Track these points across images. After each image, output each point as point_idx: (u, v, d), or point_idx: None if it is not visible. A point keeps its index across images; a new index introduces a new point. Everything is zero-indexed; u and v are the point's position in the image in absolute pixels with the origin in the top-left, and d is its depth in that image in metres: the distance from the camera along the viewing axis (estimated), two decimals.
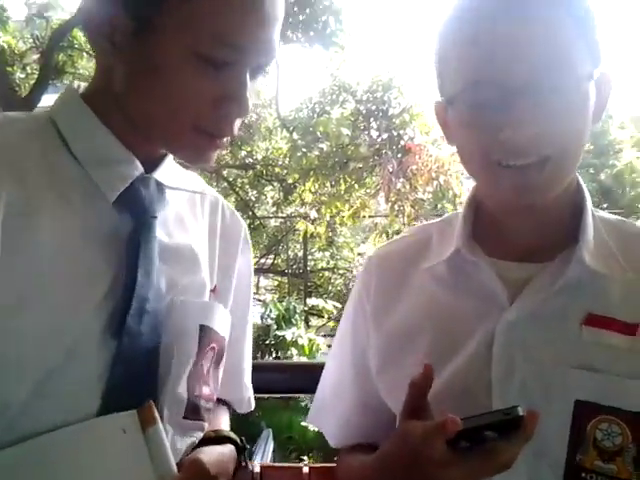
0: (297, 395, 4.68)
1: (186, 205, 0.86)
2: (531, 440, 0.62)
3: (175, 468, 0.68)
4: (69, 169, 0.73)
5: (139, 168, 0.76)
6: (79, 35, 7.19)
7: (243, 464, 0.82)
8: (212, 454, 0.76)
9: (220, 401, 0.92)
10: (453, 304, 0.78)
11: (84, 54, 7.70)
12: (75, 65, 8.00)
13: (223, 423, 0.90)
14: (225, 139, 0.75)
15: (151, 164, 0.79)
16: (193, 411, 0.77)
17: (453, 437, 0.59)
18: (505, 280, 0.75)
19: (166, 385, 0.74)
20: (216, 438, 0.81)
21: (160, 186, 0.79)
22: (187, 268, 0.81)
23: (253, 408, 0.99)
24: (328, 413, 0.95)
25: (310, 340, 6.62)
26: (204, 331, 0.78)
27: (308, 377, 1.25)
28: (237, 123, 0.74)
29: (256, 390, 1.00)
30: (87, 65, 7.74)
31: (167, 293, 0.76)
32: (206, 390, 0.80)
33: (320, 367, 1.23)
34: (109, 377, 0.68)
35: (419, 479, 0.63)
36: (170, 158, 0.82)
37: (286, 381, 1.26)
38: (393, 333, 0.83)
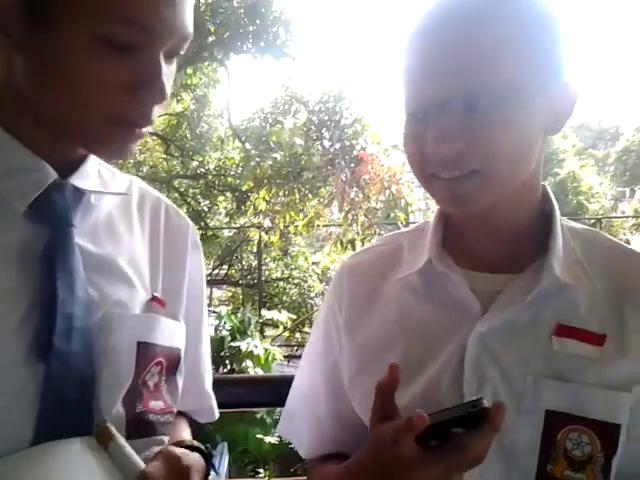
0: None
1: (119, 210, 0.81)
2: (502, 449, 0.63)
3: (143, 464, 0.68)
4: None
5: (51, 174, 0.71)
6: None
7: (213, 472, 0.79)
8: (178, 450, 0.74)
9: (180, 413, 0.89)
10: (425, 315, 0.78)
11: None
12: None
13: (184, 436, 0.87)
14: (144, 129, 0.70)
15: (69, 168, 0.73)
16: (140, 428, 0.73)
17: (423, 436, 0.59)
18: (477, 291, 0.75)
19: (102, 406, 0.69)
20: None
21: (79, 192, 0.74)
22: (121, 278, 0.76)
23: (217, 417, 0.96)
24: (299, 423, 0.94)
25: (266, 350, 6.58)
26: (143, 348, 0.74)
27: (266, 390, 1.26)
28: (156, 111, 0.69)
29: (220, 406, 0.98)
30: None
31: (99, 307, 0.71)
32: (158, 404, 0.76)
33: (277, 380, 1.23)
34: (40, 404, 0.64)
35: None
36: (92, 160, 0.77)
37: (243, 395, 1.25)
38: (365, 344, 0.82)
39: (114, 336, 0.71)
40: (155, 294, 0.80)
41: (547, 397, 0.69)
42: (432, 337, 0.76)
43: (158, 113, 0.71)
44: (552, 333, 0.72)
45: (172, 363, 0.80)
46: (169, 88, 0.69)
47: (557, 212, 0.77)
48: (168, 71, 0.68)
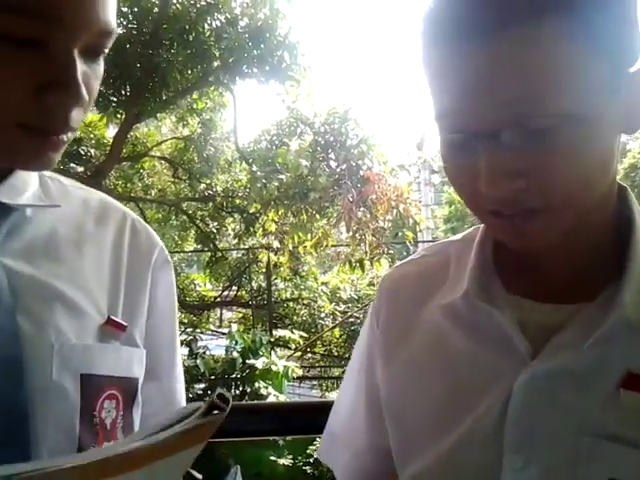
0: None
1: (66, 226, 0.73)
2: None
3: None
4: None
5: None
6: None
7: None
8: None
9: None
10: (467, 350, 0.65)
11: None
12: None
13: None
14: (65, 135, 0.61)
15: None
16: None
17: None
18: (529, 325, 0.61)
19: (41, 450, 0.61)
20: None
21: (4, 207, 0.65)
22: (62, 303, 0.67)
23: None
24: (340, 450, 0.82)
25: (285, 367, 6.55)
26: (88, 380, 0.66)
27: (281, 419, 1.26)
28: (76, 114, 0.61)
29: (227, 434, 0.98)
30: None
31: (31, 336, 0.63)
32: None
33: (291, 408, 1.23)
34: None
35: None
36: (23, 172, 0.69)
37: (258, 424, 1.20)
38: (400, 378, 0.71)
39: (51, 369, 0.63)
40: (112, 317, 0.72)
41: (610, 464, 0.56)
42: (472, 380, 0.64)
43: (81, 117, 0.62)
44: (620, 385, 0.57)
45: (128, 395, 0.72)
46: (92, 91, 0.61)
47: (637, 219, 0.61)
48: (88, 70, 0.61)
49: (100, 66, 0.64)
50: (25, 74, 0.57)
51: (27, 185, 0.70)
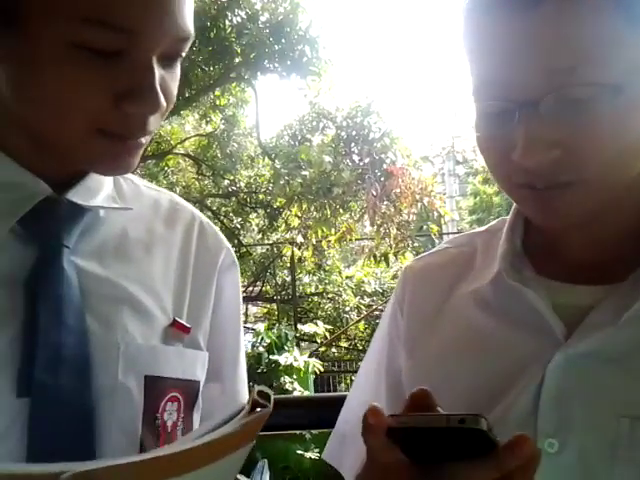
0: None
1: (136, 226, 0.73)
2: None
3: None
4: None
5: (44, 190, 0.64)
6: None
7: None
8: None
9: None
10: (498, 337, 0.65)
11: None
12: None
13: None
14: (143, 139, 0.63)
15: (69, 183, 0.67)
16: None
17: (408, 446, 0.48)
18: (560, 307, 0.61)
19: (105, 451, 0.61)
20: None
21: (78, 208, 0.66)
22: (129, 304, 0.68)
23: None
24: (350, 450, 0.78)
25: (306, 362, 6.59)
26: (152, 382, 0.66)
27: (306, 412, 1.27)
28: (153, 120, 0.61)
29: None
30: None
31: (99, 336, 0.63)
32: None
33: (318, 401, 1.23)
34: (29, 443, 0.57)
35: None
36: (95, 174, 0.69)
37: (283, 417, 1.19)
38: (426, 368, 0.70)
39: (117, 369, 0.64)
40: (177, 319, 0.72)
41: None
42: (504, 364, 0.63)
43: (159, 121, 0.63)
44: None
45: (190, 398, 0.72)
46: (170, 95, 0.62)
47: None
48: (166, 76, 0.62)
49: (177, 69, 0.64)
50: (106, 83, 0.58)
51: (101, 186, 0.71)
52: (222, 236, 0.84)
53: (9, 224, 0.62)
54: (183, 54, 0.63)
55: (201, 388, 0.74)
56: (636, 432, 0.55)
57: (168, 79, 0.62)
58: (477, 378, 0.65)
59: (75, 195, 0.67)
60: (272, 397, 0.49)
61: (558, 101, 0.53)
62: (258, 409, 0.48)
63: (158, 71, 0.60)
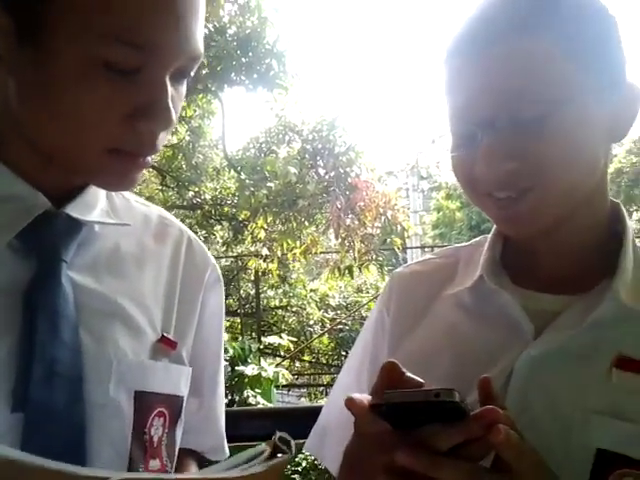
0: None
1: (128, 242, 0.74)
2: None
3: None
4: None
5: (43, 203, 0.64)
6: None
7: None
8: None
9: (190, 452, 0.83)
10: (474, 334, 0.72)
11: None
12: None
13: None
14: (149, 157, 0.64)
15: (66, 197, 0.67)
16: None
17: (392, 419, 0.53)
18: (531, 311, 0.68)
19: (98, 465, 0.61)
20: None
21: (76, 222, 0.67)
22: (122, 320, 0.68)
23: (227, 455, 0.89)
24: (331, 441, 0.83)
25: (275, 372, 6.54)
26: (141, 397, 0.67)
27: (270, 424, 1.27)
28: (162, 137, 0.62)
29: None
30: None
31: (92, 352, 0.64)
32: (156, 463, 0.69)
33: (281, 413, 1.23)
34: None
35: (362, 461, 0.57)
36: (94, 189, 0.70)
37: (247, 429, 1.22)
38: (409, 360, 0.73)
39: (109, 385, 0.64)
40: (165, 334, 0.73)
41: (600, 435, 0.61)
42: (478, 358, 0.70)
43: (166, 138, 0.65)
44: (612, 365, 0.63)
45: (175, 414, 0.73)
46: (177, 112, 0.63)
47: (629, 231, 0.70)
48: (176, 94, 0.63)
49: (184, 87, 0.65)
50: (122, 100, 0.58)
51: (97, 201, 0.71)
52: (208, 252, 0.85)
53: (7, 237, 0.62)
54: (192, 73, 0.65)
55: (184, 404, 0.74)
56: (587, 423, 0.62)
57: (176, 97, 0.63)
58: (455, 368, 0.71)
59: (74, 209, 0.67)
60: (293, 444, 0.52)
61: (510, 117, 0.62)
62: (279, 454, 0.50)
63: (169, 90, 0.61)
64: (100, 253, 0.70)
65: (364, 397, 0.54)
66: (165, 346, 0.72)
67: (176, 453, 0.74)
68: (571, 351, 0.65)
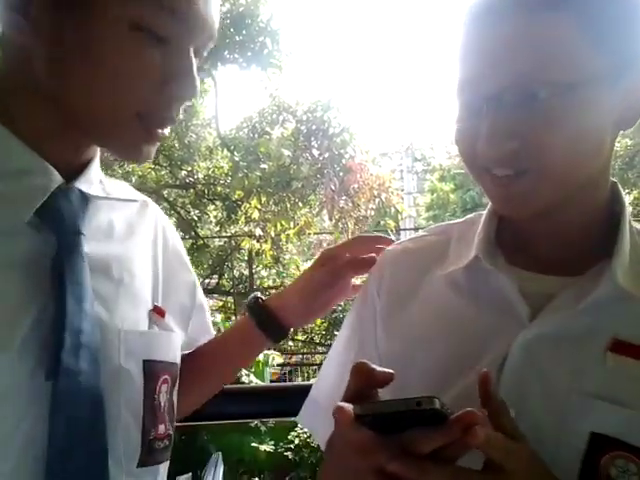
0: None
1: (119, 216, 0.77)
2: None
3: None
4: None
5: (57, 178, 0.65)
6: None
7: None
8: None
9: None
10: (468, 315, 0.71)
11: None
12: None
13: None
14: (166, 130, 0.67)
15: (73, 173, 0.68)
16: (148, 455, 0.69)
17: (375, 426, 0.54)
18: (527, 293, 0.67)
19: (116, 433, 0.65)
20: None
21: (85, 197, 0.69)
22: (125, 291, 0.71)
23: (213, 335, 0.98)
24: (320, 415, 0.83)
25: (265, 354, 6.59)
26: (149, 366, 0.70)
27: (262, 401, 1.28)
28: (180, 111, 0.67)
29: (209, 417, 0.98)
30: None
31: (105, 323, 0.67)
32: (161, 429, 0.72)
33: (274, 390, 1.24)
34: (50, 423, 0.59)
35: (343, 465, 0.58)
36: (96, 165, 0.73)
37: (239, 406, 1.23)
38: (401, 340, 0.75)
39: (120, 354, 0.67)
40: (156, 304, 0.76)
41: (594, 419, 0.61)
42: (472, 341, 0.69)
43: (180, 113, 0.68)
44: (607, 348, 0.63)
45: (174, 380, 0.76)
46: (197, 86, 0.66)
47: (627, 212, 0.69)
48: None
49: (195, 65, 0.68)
50: (155, 66, 0.62)
51: (97, 177, 0.74)
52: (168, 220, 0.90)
53: (27, 214, 0.63)
54: (205, 53, 0.68)
55: (178, 369, 0.78)
56: (582, 407, 0.61)
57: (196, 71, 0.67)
58: (448, 350, 0.71)
59: (82, 184, 0.69)
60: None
61: (518, 95, 0.60)
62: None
63: (194, 60, 0.65)
64: (99, 226, 0.72)
65: (348, 406, 0.55)
66: (157, 315, 0.76)
67: (175, 417, 0.78)
68: (567, 334, 0.64)
